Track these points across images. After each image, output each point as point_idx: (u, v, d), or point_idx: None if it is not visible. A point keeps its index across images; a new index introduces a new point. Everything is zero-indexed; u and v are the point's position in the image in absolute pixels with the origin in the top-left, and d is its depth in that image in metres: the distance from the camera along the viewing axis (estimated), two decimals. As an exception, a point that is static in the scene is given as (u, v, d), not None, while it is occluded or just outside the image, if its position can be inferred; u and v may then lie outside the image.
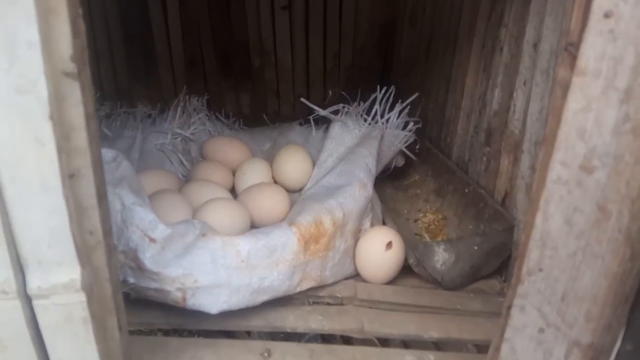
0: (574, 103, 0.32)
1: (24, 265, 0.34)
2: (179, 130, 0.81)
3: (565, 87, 0.33)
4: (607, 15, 0.30)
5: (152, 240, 0.48)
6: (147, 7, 1.18)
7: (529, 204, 0.38)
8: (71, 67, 0.32)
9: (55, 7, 0.30)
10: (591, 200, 0.32)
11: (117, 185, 0.50)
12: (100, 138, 0.74)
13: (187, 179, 0.78)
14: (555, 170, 0.34)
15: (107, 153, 0.53)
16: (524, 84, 0.61)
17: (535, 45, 0.58)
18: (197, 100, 0.88)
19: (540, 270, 0.36)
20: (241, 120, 1.00)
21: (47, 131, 0.31)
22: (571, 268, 0.34)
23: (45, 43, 0.30)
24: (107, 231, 0.38)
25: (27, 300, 0.34)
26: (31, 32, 0.29)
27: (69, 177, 0.34)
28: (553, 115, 0.35)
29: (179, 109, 0.84)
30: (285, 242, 0.54)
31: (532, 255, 0.37)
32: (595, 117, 0.31)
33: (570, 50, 0.33)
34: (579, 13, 0.32)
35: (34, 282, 0.34)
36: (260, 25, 1.24)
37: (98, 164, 0.36)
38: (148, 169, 0.71)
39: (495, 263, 0.66)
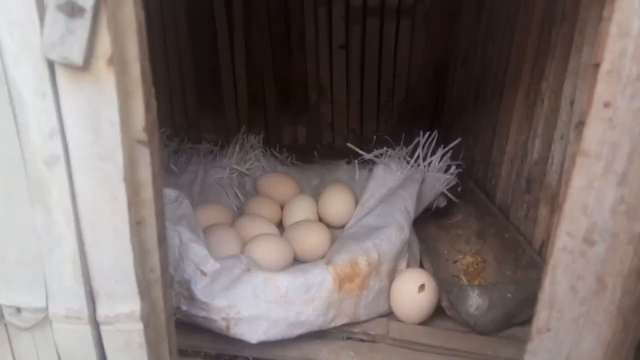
0: (578, 180, 0.35)
1: (95, 296, 0.41)
2: (236, 166, 0.89)
3: (575, 161, 0.36)
4: (606, 105, 0.33)
5: (203, 273, 0.55)
6: (217, 48, 1.29)
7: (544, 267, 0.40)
8: (143, 136, 0.39)
9: (133, 90, 0.38)
10: (592, 271, 0.35)
11: (177, 223, 0.58)
12: (167, 173, 0.84)
13: (240, 211, 0.85)
14: (562, 239, 0.37)
15: (171, 193, 0.60)
16: (561, 137, 0.63)
17: (572, 103, 0.59)
18: (254, 138, 0.96)
19: (548, 330, 0.39)
20: (294, 154, 1.06)
21: (121, 190, 0.38)
22: (574, 331, 0.36)
23: (124, 119, 0.38)
24: (165, 269, 0.45)
25: (96, 326, 0.42)
26: (113, 113, 0.36)
27: (136, 224, 0.41)
28: (565, 187, 0.37)
29: (237, 145, 0.92)
30: (321, 280, 0.59)
31: (542, 316, 0.39)
32: (596, 195, 0.34)
33: (580, 129, 0.36)
34: (588, 96, 0.36)
35: (102, 311, 0.41)
36: (319, 63, 1.32)
37: (160, 214, 0.43)
38: (206, 203, 0.79)
39: (530, 311, 0.66)
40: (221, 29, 1.27)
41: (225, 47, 1.29)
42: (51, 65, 0.35)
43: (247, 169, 0.90)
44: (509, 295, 0.65)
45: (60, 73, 0.35)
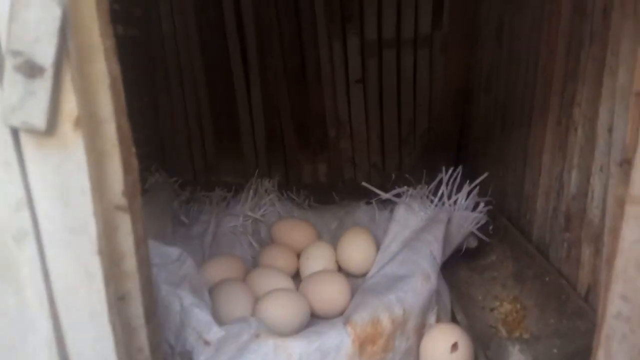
0: (629, 232, 0.29)
1: (75, 386, 0.36)
2: (250, 213, 0.84)
3: (622, 209, 0.30)
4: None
5: (207, 342, 0.50)
6: (233, 87, 1.27)
7: (594, 337, 0.33)
8: (122, 201, 0.35)
9: (109, 150, 0.34)
10: (660, 348, 0.28)
11: (178, 286, 0.53)
12: (178, 225, 0.80)
13: (255, 261, 0.80)
14: (616, 304, 0.30)
15: (173, 252, 0.56)
16: (601, 169, 0.56)
17: (610, 130, 0.53)
18: (269, 182, 0.92)
19: (609, 417, 0.31)
20: (314, 194, 1.02)
21: (95, 264, 0.34)
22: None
23: (98, 185, 0.34)
24: (155, 347, 0.40)
25: (77, 419, 0.37)
26: (82, 180, 0.32)
27: (119, 300, 0.37)
28: (611, 237, 0.31)
29: (252, 191, 0.88)
30: (339, 344, 0.52)
31: (598, 398, 0.32)
32: (656, 251, 0.28)
33: (625, 168, 0.30)
34: (633, 130, 0.30)
35: (83, 403, 0.36)
36: (336, 98, 1.29)
37: (147, 285, 0.38)
38: (217, 257, 0.75)
39: (582, 367, 0.58)
40: (236, 69, 1.26)
41: (241, 87, 1.28)
42: (14, 132, 0.32)
43: (261, 215, 0.86)
44: (555, 350, 0.57)
45: (24, 140, 0.32)
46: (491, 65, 1.02)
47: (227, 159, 1.34)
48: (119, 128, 0.34)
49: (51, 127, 0.31)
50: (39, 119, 0.30)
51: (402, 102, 1.28)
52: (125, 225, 0.36)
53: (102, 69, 0.33)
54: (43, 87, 0.30)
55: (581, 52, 0.61)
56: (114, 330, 0.35)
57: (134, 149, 0.36)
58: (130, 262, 0.36)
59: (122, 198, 0.35)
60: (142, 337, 0.38)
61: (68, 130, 0.31)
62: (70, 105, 0.31)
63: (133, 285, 0.37)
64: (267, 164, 1.32)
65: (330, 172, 1.35)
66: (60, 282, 0.34)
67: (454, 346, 0.56)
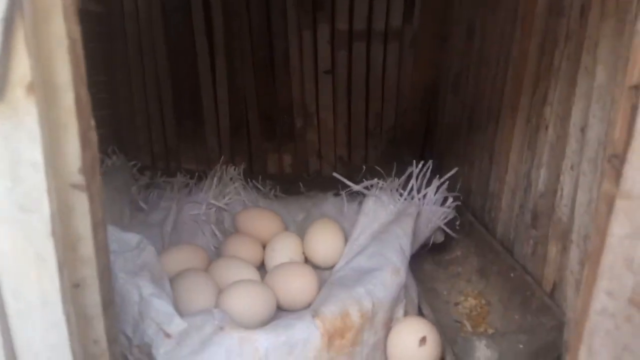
0: (618, 228, 0.28)
1: (21, 381, 0.33)
2: (213, 201, 0.81)
3: (610, 205, 0.29)
4: (653, 135, 0.26)
5: (167, 335, 0.46)
6: (197, 73, 1.23)
7: (572, 332, 0.33)
8: (79, 179, 0.32)
9: (66, 122, 0.31)
10: (644, 344, 0.28)
11: (137, 274, 0.49)
12: (136, 210, 0.76)
13: (218, 251, 0.77)
14: (600, 300, 0.30)
15: (132, 238, 0.52)
16: (571, 168, 0.56)
17: (583, 130, 0.53)
18: (234, 169, 0.88)
19: (587, 414, 0.31)
20: (279, 185, 0.99)
21: (48, 247, 0.30)
22: (623, 421, 0.29)
23: (53, 159, 0.30)
24: (113, 339, 0.37)
25: (22, 418, 0.33)
26: (35, 153, 0.29)
27: (74, 287, 0.33)
28: (597, 235, 0.30)
29: (216, 178, 0.85)
30: (307, 337, 0.51)
31: (577, 395, 0.32)
32: (645, 247, 0.27)
33: (614, 163, 0.29)
34: (624, 124, 0.29)
35: (30, 400, 0.33)
36: (304, 89, 1.27)
37: (105, 272, 0.35)
38: (178, 245, 0.71)
39: (544, 363, 0.59)
40: (202, 53, 1.22)
41: (206, 72, 1.23)
42: (-44, 94, 0.28)
43: (225, 204, 0.82)
44: (521, 346, 0.58)
45: (-33, 104, 0.28)
46: (460, 65, 1.03)
47: (188, 145, 1.29)
48: (78, 98, 0.31)
49: (0, 91, 0.27)
50: (-13, 81, 0.27)
51: (370, 96, 1.27)
52: (82, 206, 0.32)
53: (60, 29, 0.29)
54: (-8, 44, 0.26)
55: (555, 52, 0.61)
56: (68, 320, 0.32)
57: (93, 122, 0.33)
58: (87, 247, 0.33)
59: (79, 176, 0.32)
60: (98, 328, 0.35)
61: (20, 96, 0.28)
62: (22, 68, 0.27)
63: (89, 272, 0.34)
64: (230, 152, 1.28)
65: (295, 163, 1.33)
66: (6, 265, 0.30)
67: (423, 340, 0.56)
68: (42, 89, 0.29)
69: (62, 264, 0.31)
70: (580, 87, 0.54)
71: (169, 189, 0.84)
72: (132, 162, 0.91)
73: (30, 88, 0.27)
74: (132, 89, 1.23)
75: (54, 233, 0.30)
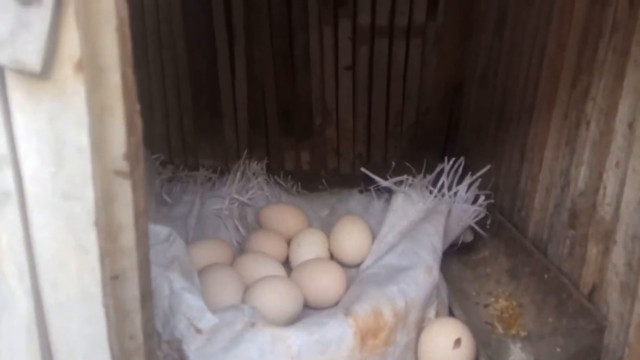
0: None
1: (58, 376, 0.31)
2: (236, 196, 0.80)
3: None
4: None
5: (199, 331, 0.45)
6: (216, 68, 1.21)
7: (636, 337, 0.31)
8: (123, 165, 0.30)
9: (112, 105, 0.29)
10: None
11: (167, 267, 0.48)
12: (160, 204, 0.74)
13: (241, 247, 0.75)
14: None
15: (161, 231, 0.51)
16: (617, 165, 0.54)
17: (631, 126, 0.51)
18: (257, 164, 0.87)
19: None
20: (299, 180, 0.98)
21: (90, 238, 0.29)
22: None
23: (97, 143, 0.29)
24: (149, 334, 0.35)
25: (58, 414, 0.32)
26: (81, 136, 0.27)
27: (112, 279, 0.32)
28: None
29: (238, 173, 0.83)
30: (340, 336, 0.49)
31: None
32: None
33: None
34: None
35: (66, 395, 0.31)
36: (324, 85, 1.25)
37: (145, 264, 0.33)
38: (202, 240, 0.70)
39: (583, 368, 0.57)
40: (221, 47, 1.20)
41: (225, 67, 1.22)
42: (0, 71, 0.26)
43: (248, 199, 0.81)
44: (558, 349, 0.55)
45: (11, 82, 0.26)
46: (488, 60, 1.01)
47: (206, 140, 1.27)
48: (124, 79, 0.29)
49: (47, 68, 0.26)
50: (33, 57, 0.25)
51: (391, 93, 1.25)
52: (125, 194, 0.31)
53: (109, 6, 0.28)
54: (40, 18, 0.25)
55: (600, 43, 0.59)
56: (107, 313, 0.30)
57: (138, 106, 0.31)
58: (128, 237, 0.31)
59: (123, 162, 0.30)
60: (135, 323, 0.33)
61: (68, 74, 0.26)
62: (72, 44, 0.26)
63: (130, 264, 0.32)
64: (248, 148, 1.27)
65: (313, 161, 1.31)
66: (46, 255, 0.29)
67: (457, 342, 0.54)
68: (90, 68, 0.28)
69: (103, 255, 0.30)
70: (629, 80, 0.52)
71: (192, 183, 0.83)
72: (155, 156, 0.90)
73: (79, 66, 0.26)
74: (151, 83, 1.22)
75: (97, 222, 0.29)
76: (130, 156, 0.30)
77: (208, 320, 0.46)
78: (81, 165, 0.27)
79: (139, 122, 0.31)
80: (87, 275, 0.29)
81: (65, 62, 0.26)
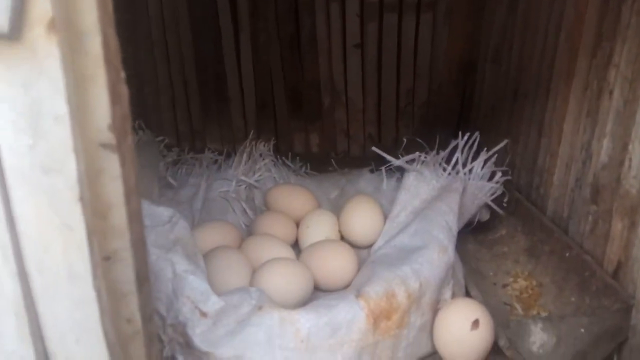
0: None
1: (50, 362, 0.30)
2: (243, 178, 0.77)
3: None
4: None
5: (203, 314, 0.43)
6: (222, 51, 1.19)
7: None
8: (109, 137, 0.28)
9: (93, 73, 0.27)
10: None
11: (170, 250, 0.46)
12: (165, 187, 0.73)
13: (249, 230, 0.73)
14: None
15: (164, 212, 0.49)
16: (644, 134, 0.50)
17: (660, 90, 0.47)
18: (264, 146, 0.84)
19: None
20: (309, 163, 0.95)
21: (75, 214, 0.27)
22: None
23: (78, 114, 0.26)
24: (148, 318, 0.33)
25: (52, 402, 0.30)
26: (59, 105, 0.25)
27: (105, 260, 0.30)
28: None
29: (245, 154, 0.81)
30: (351, 318, 0.47)
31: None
32: None
33: None
34: None
35: (60, 382, 0.30)
36: (332, 64, 1.21)
37: (140, 244, 0.32)
38: (208, 222, 0.68)
39: (607, 349, 0.54)
40: (226, 29, 1.17)
41: (230, 49, 1.19)
42: (-33, 34, 0.24)
43: (256, 181, 0.79)
44: (582, 330, 0.53)
45: (-20, 46, 0.24)
46: (502, 33, 0.96)
47: (213, 123, 1.25)
48: (105, 43, 0.27)
49: (16, 29, 0.24)
50: (0, 17, 0.23)
51: (401, 71, 1.21)
52: (112, 169, 0.29)
53: (86, -39, 0.25)
54: (7, -29, 0.22)
55: (622, 7, 0.55)
56: (99, 296, 0.28)
57: (123, 74, 0.29)
58: (118, 215, 0.29)
59: (108, 133, 0.28)
60: (132, 306, 0.31)
61: (39, 35, 0.24)
62: (42, 2, 0.24)
63: (122, 244, 0.30)
64: (256, 131, 1.24)
65: (322, 143, 1.28)
66: (29, 233, 0.27)
67: (475, 323, 0.51)
68: (65, 32, 0.25)
69: (91, 233, 0.28)
70: (656, 42, 0.48)
71: (198, 165, 0.81)
72: (160, 138, 0.88)
73: (52, 26, 0.24)
74: (157, 67, 1.20)
75: (81, 198, 0.27)
76: (116, 128, 0.28)
77: (213, 303, 0.44)
78: (61, 136, 0.25)
79: (124, 91, 0.29)
80: (74, 255, 0.27)
81: (36, 22, 0.23)
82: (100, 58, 0.27)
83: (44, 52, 0.24)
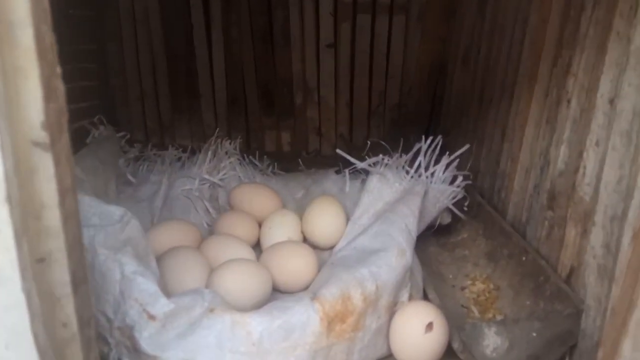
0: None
1: (-25, 369, 0.28)
2: (207, 176, 0.76)
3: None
4: None
5: (152, 317, 0.42)
6: (193, 45, 1.17)
7: (610, 322, 0.28)
8: (42, 136, 0.27)
9: (24, 66, 0.26)
10: None
11: (119, 250, 0.45)
12: (124, 185, 0.71)
13: (211, 229, 0.72)
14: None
15: (115, 211, 0.48)
16: (597, 144, 0.51)
17: (612, 102, 0.48)
18: (230, 143, 0.83)
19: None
20: (278, 162, 0.95)
21: (2, 215, 0.25)
22: None
23: (8, 109, 0.25)
24: (86, 321, 0.32)
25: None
26: (-16, 100, 0.24)
27: (37, 262, 0.29)
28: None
29: (210, 152, 0.80)
30: (305, 321, 0.46)
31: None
32: None
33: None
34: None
35: (-14, 390, 0.28)
36: (305, 63, 1.21)
37: (76, 246, 0.30)
38: (167, 221, 0.66)
39: (558, 352, 0.55)
40: (197, 24, 1.16)
41: (202, 44, 1.17)
42: None
43: (220, 179, 0.78)
44: (534, 334, 0.54)
45: None
46: (471, 36, 0.97)
47: (183, 119, 1.24)
48: (38, 36, 0.26)
49: (-61, 20, 0.22)
50: None
51: (373, 72, 1.22)
52: (45, 168, 0.28)
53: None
54: None
55: (582, 17, 0.56)
56: (29, 299, 0.27)
57: (59, 69, 0.28)
58: (52, 216, 0.28)
59: (41, 132, 0.27)
60: (68, 310, 0.30)
61: (-36, 26, 0.23)
62: (-33, -8, 0.22)
63: (57, 245, 0.29)
64: (227, 128, 1.23)
65: (294, 142, 1.28)
66: (-47, 236, 0.26)
67: (429, 326, 0.52)
68: (-7, 22, 0.24)
69: (20, 235, 0.26)
70: (610, 54, 0.49)
71: (160, 162, 0.79)
72: (121, 134, 0.86)
73: (-25, 17, 0.22)
74: (125, 60, 1.17)
75: (9, 198, 0.25)
76: (50, 125, 0.27)
77: (162, 305, 0.43)
78: (-14, 132, 0.24)
79: (60, 87, 0.28)
80: (1, 258, 0.26)
81: (-42, 11, 0.22)
82: (32, 52, 0.25)
83: (-34, 46, 0.23)
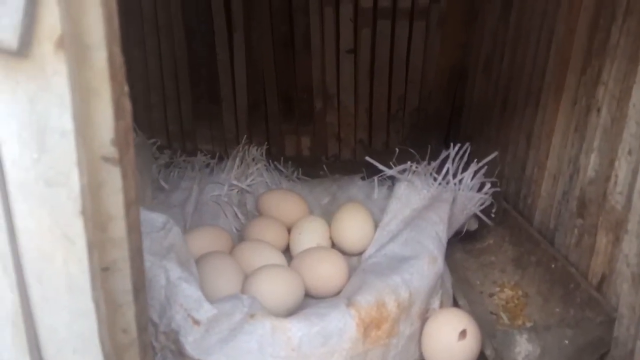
0: None
1: (46, 372, 0.30)
2: (235, 182, 0.78)
3: None
4: None
5: (196, 322, 0.44)
6: (215, 52, 1.19)
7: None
8: (112, 151, 0.28)
9: (97, 87, 0.27)
10: None
11: (164, 257, 0.46)
12: (157, 190, 0.73)
13: (240, 235, 0.74)
14: None
15: (158, 219, 0.49)
16: (629, 153, 0.52)
17: (646, 110, 0.49)
18: (257, 150, 0.85)
19: None
20: (300, 167, 0.96)
21: (77, 228, 0.27)
22: None
23: (82, 128, 0.27)
24: (143, 327, 0.34)
25: (48, 412, 0.30)
26: (65, 120, 0.25)
27: (103, 271, 0.30)
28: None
29: (238, 158, 0.81)
30: (342, 327, 0.47)
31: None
32: None
33: None
34: None
35: (56, 393, 0.30)
36: (325, 68, 1.22)
37: (137, 255, 0.32)
38: (200, 227, 0.68)
39: (590, 360, 0.56)
40: (219, 30, 1.17)
41: (223, 50, 1.19)
42: (-25, 49, 0.24)
43: (248, 185, 0.79)
44: (566, 341, 0.54)
45: (-12, 61, 0.24)
46: (493, 43, 0.98)
47: (204, 125, 1.25)
48: (111, 58, 0.27)
49: (25, 45, 0.24)
50: (10, 33, 0.23)
51: (393, 77, 1.22)
52: (114, 182, 0.29)
53: (93, -22, 0.25)
54: (17, -11, 0.23)
55: (612, 27, 0.56)
56: (97, 307, 0.29)
57: (127, 88, 0.29)
58: (118, 227, 0.30)
59: (111, 148, 0.28)
60: (128, 316, 0.32)
61: (48, 51, 0.24)
62: (52, 19, 0.24)
63: (121, 255, 0.30)
64: (248, 133, 1.25)
65: (314, 146, 1.28)
66: (31, 246, 0.27)
67: (463, 333, 0.52)
68: (71, 47, 0.25)
69: (91, 246, 0.28)
70: (644, 64, 0.50)
71: (190, 168, 0.81)
72: (152, 140, 0.88)
73: (60, 43, 0.24)
74: (148, 66, 1.19)
75: (83, 211, 0.27)
76: (119, 142, 0.28)
77: (206, 310, 0.44)
78: (65, 150, 0.26)
79: (127, 105, 0.29)
80: (74, 267, 0.28)
81: (45, 38, 0.24)
82: (106, 73, 0.27)
83: (52, 69, 0.24)
